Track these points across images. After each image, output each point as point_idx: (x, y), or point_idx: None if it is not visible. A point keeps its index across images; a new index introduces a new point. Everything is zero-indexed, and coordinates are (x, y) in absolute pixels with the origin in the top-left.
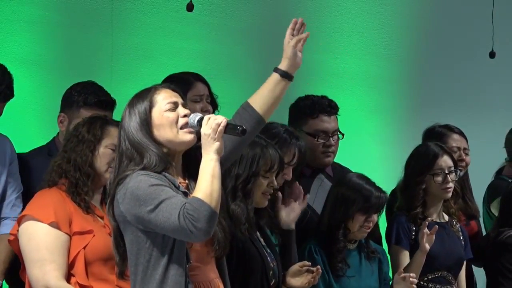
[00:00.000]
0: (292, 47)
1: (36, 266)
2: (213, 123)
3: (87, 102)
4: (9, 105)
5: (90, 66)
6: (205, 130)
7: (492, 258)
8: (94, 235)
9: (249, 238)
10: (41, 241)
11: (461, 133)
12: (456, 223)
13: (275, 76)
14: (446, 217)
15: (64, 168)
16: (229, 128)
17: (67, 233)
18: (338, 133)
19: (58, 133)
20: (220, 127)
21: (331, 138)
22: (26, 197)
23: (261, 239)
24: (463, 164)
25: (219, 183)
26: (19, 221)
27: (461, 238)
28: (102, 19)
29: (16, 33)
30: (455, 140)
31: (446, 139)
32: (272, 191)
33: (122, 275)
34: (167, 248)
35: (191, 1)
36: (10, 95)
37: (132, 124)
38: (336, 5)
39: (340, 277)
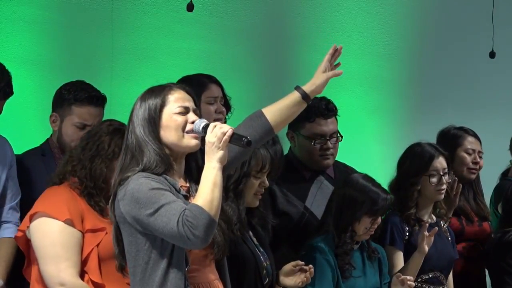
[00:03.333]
0: (327, 78)
1: (51, 263)
2: (218, 131)
3: (78, 98)
4: (9, 105)
5: (90, 66)
6: (210, 138)
7: (497, 258)
8: (106, 233)
9: (242, 238)
10: (56, 238)
11: (476, 136)
12: (443, 224)
13: (296, 95)
14: (435, 218)
15: (78, 173)
16: (234, 138)
17: (80, 231)
18: (338, 135)
19: (52, 134)
20: (225, 137)
21: (328, 141)
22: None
23: (254, 239)
24: (477, 167)
25: (220, 191)
26: (31, 218)
27: (449, 238)
28: (102, 19)
29: (16, 33)
30: (470, 143)
31: (462, 141)
32: (263, 191)
33: (122, 269)
34: (166, 251)
35: (191, 1)
36: (10, 92)
37: (141, 118)
38: (336, 4)
39: (347, 278)
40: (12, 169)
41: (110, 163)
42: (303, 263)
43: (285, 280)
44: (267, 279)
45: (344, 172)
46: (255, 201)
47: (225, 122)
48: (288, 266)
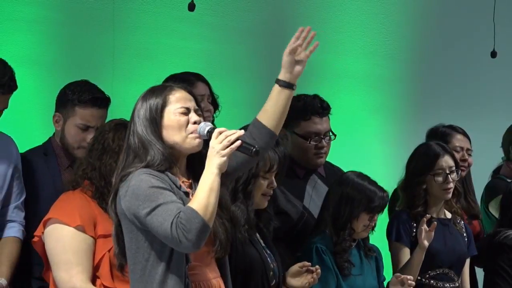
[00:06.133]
0: (287, 55)
1: (62, 269)
2: (223, 139)
3: (82, 99)
4: (11, 105)
5: (92, 66)
6: (214, 144)
7: (489, 259)
8: None
9: (249, 239)
10: (67, 244)
11: (465, 134)
12: (460, 221)
13: (275, 88)
14: (449, 215)
15: (89, 174)
16: (242, 147)
17: (92, 236)
18: (330, 133)
19: (54, 133)
20: (233, 146)
21: (323, 140)
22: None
23: (261, 241)
24: (466, 164)
25: (216, 197)
26: (44, 224)
27: (465, 235)
28: (103, 19)
29: (17, 33)
30: (458, 140)
31: (449, 139)
32: (272, 192)
33: (121, 268)
34: (166, 248)
35: (192, 1)
36: (14, 86)
37: (142, 119)
38: (337, 4)
39: (347, 276)
40: (18, 168)
41: (118, 157)
42: (309, 264)
43: (292, 281)
44: (274, 281)
45: (332, 171)
46: (264, 202)
47: (213, 121)
48: (294, 267)
